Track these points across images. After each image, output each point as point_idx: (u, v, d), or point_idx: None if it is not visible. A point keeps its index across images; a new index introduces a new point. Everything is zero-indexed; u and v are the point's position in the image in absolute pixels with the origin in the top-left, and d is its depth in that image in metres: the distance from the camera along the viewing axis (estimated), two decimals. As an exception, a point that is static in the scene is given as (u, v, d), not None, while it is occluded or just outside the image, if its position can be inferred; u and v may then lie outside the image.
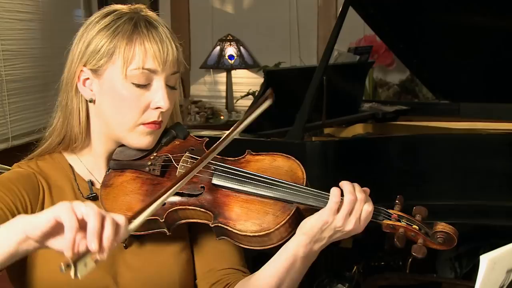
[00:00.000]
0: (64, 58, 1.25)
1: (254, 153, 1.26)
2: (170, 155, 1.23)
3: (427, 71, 3.16)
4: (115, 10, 1.21)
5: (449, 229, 1.14)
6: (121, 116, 1.20)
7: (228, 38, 4.36)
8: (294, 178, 1.21)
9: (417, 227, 1.15)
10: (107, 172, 1.24)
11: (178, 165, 1.21)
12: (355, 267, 2.86)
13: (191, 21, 4.65)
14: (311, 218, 1.14)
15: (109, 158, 1.26)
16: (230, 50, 4.32)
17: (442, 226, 1.14)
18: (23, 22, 3.61)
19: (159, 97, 1.18)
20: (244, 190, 1.18)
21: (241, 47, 4.35)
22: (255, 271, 1.24)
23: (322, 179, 2.20)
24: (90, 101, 1.22)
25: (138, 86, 1.18)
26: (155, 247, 1.23)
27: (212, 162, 1.20)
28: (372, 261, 3.04)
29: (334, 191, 1.14)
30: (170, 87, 1.22)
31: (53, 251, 1.13)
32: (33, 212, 1.18)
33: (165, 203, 1.17)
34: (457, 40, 2.82)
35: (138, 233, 1.18)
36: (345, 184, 1.16)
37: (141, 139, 1.22)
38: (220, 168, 1.21)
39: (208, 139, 1.28)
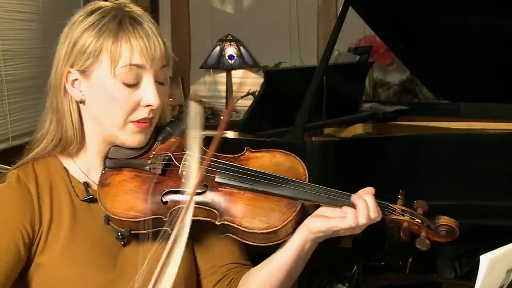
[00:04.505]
0: (51, 58, 1.24)
1: (253, 150, 1.27)
2: (170, 154, 1.23)
3: (427, 71, 3.16)
4: (99, 8, 1.20)
5: (451, 222, 1.16)
6: (111, 115, 1.19)
7: (228, 38, 4.35)
8: (296, 174, 1.22)
9: (420, 221, 1.17)
10: (103, 171, 1.24)
11: (180, 163, 1.21)
12: (355, 267, 2.86)
13: (191, 21, 4.65)
14: (320, 221, 1.15)
15: (104, 157, 1.25)
16: (230, 50, 4.32)
17: (444, 220, 1.17)
18: (23, 22, 3.60)
19: (149, 95, 1.18)
20: (249, 188, 1.18)
21: (241, 47, 4.34)
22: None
23: (322, 179, 2.20)
24: (80, 102, 1.21)
25: (127, 84, 1.17)
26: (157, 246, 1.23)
27: (214, 160, 1.21)
28: (372, 261, 3.04)
29: (351, 213, 1.14)
30: (159, 83, 1.21)
31: (57, 266, 1.16)
32: (33, 228, 1.17)
33: (167, 201, 1.18)
34: (457, 40, 2.82)
35: (140, 232, 1.18)
36: (361, 203, 1.15)
37: (131, 137, 1.21)
38: (223, 166, 1.21)
39: (204, 136, 1.27)
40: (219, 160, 1.22)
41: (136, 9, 1.21)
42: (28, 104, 3.60)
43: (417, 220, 1.17)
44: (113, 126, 1.20)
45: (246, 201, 1.18)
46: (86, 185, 1.24)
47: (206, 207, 1.18)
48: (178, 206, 1.17)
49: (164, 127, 1.28)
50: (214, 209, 1.17)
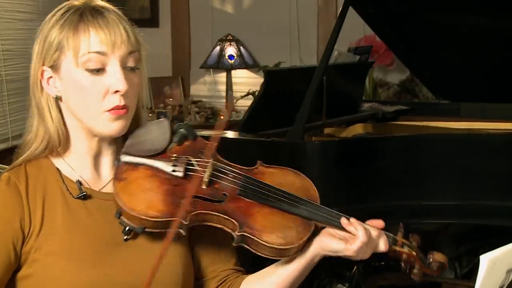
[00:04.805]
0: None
1: (265, 165, 1.32)
2: (192, 159, 1.25)
3: (427, 71, 3.16)
4: (64, 6, 1.23)
5: (442, 258, 1.26)
6: (84, 106, 1.20)
7: (228, 38, 4.36)
8: (309, 195, 1.28)
9: (415, 254, 1.25)
10: (117, 164, 1.23)
11: (204, 169, 1.23)
12: (355, 267, 2.85)
13: (191, 21, 4.65)
14: (336, 243, 1.22)
15: (94, 154, 1.26)
16: (230, 50, 4.32)
17: (438, 257, 1.26)
18: (23, 22, 3.60)
19: (115, 80, 1.18)
20: (269, 204, 1.23)
21: (241, 47, 4.34)
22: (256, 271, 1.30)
23: (322, 179, 2.21)
24: (57, 98, 1.23)
25: (93, 72, 1.18)
26: (157, 244, 1.22)
27: (235, 172, 1.26)
28: (372, 261, 3.04)
29: (362, 237, 1.21)
30: (130, 69, 1.22)
31: (53, 263, 1.17)
32: (23, 229, 1.18)
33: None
34: (457, 40, 2.82)
35: (154, 230, 1.18)
36: (359, 229, 1.22)
37: (108, 125, 1.21)
38: (246, 179, 1.25)
39: (217, 143, 1.29)
40: (240, 172, 1.26)
41: (99, 2, 1.24)
42: (28, 104, 3.60)
43: (413, 253, 1.25)
44: (88, 117, 1.21)
45: (265, 215, 1.22)
46: (79, 183, 1.24)
47: (225, 216, 1.20)
48: (197, 211, 1.18)
49: (178, 129, 1.28)
50: (234, 219, 1.20)
